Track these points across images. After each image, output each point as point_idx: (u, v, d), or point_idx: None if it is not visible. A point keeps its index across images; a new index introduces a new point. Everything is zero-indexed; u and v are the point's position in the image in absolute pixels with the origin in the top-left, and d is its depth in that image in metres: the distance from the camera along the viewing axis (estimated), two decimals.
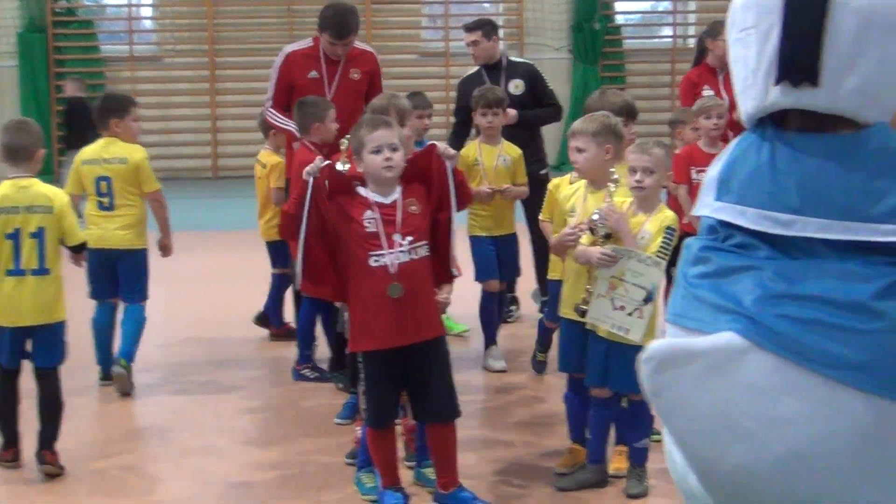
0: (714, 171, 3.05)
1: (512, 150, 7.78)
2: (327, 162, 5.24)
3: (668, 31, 20.96)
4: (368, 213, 5.18)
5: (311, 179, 5.14)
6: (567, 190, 5.94)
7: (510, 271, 7.99)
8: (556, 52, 15.50)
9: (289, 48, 8.04)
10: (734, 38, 3.04)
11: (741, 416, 2.76)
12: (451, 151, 5.35)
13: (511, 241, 7.84)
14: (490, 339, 7.90)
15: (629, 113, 6.53)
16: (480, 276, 7.78)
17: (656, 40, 20.82)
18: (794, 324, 2.77)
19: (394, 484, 5.38)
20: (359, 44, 8.03)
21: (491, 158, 7.67)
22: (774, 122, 2.99)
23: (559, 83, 12.66)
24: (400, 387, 5.34)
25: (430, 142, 5.45)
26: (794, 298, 2.79)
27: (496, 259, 7.74)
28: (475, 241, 7.76)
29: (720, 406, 2.77)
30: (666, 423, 2.84)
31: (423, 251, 5.25)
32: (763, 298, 2.80)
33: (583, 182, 5.82)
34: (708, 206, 3.01)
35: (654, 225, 5.38)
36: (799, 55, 2.88)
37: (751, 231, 2.91)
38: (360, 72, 7.86)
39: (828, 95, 2.89)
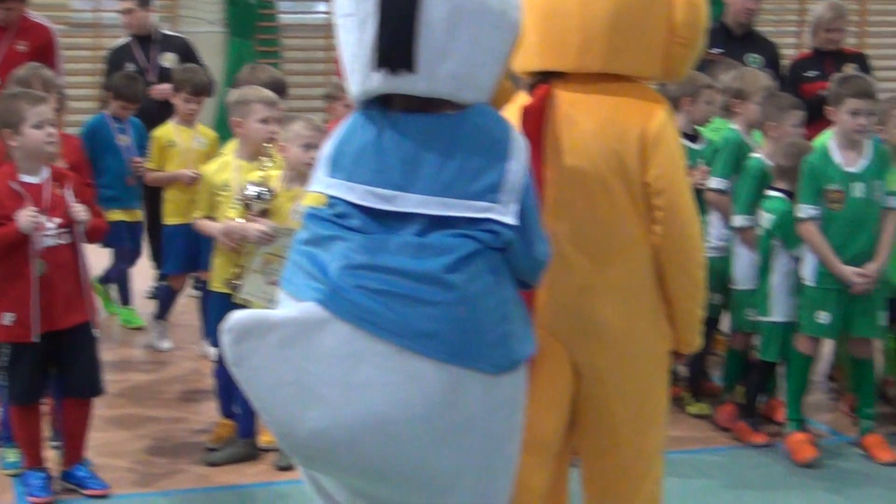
0: (326, 149, 3.15)
1: (207, 132, 7.59)
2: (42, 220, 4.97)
3: (322, 6, 21.06)
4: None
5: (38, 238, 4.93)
6: (215, 164, 5.86)
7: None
8: (211, 25, 15.28)
9: None
10: (338, 23, 3.14)
11: (318, 384, 2.86)
12: (82, 216, 5.11)
13: None
14: (160, 317, 7.69)
15: (278, 89, 6.55)
16: (168, 270, 7.45)
17: (311, 16, 20.87)
18: (371, 295, 2.89)
19: (38, 464, 5.23)
20: (35, 16, 7.70)
21: (188, 140, 7.40)
22: (381, 102, 3.10)
23: (213, 57, 12.50)
24: (45, 365, 5.17)
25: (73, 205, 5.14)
26: (374, 270, 2.91)
27: (188, 249, 7.49)
28: (167, 231, 7.34)
29: (297, 374, 2.87)
30: (247, 391, 2.92)
31: (71, 237, 5.11)
32: (345, 269, 2.92)
33: (231, 156, 5.79)
34: (321, 183, 3.12)
35: (310, 199, 5.39)
36: (394, 43, 3.00)
37: (356, 204, 3.02)
38: (28, 45, 7.49)
39: (425, 80, 3.02)
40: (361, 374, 2.87)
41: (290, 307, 2.98)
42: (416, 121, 3.06)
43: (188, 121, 7.44)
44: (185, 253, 7.06)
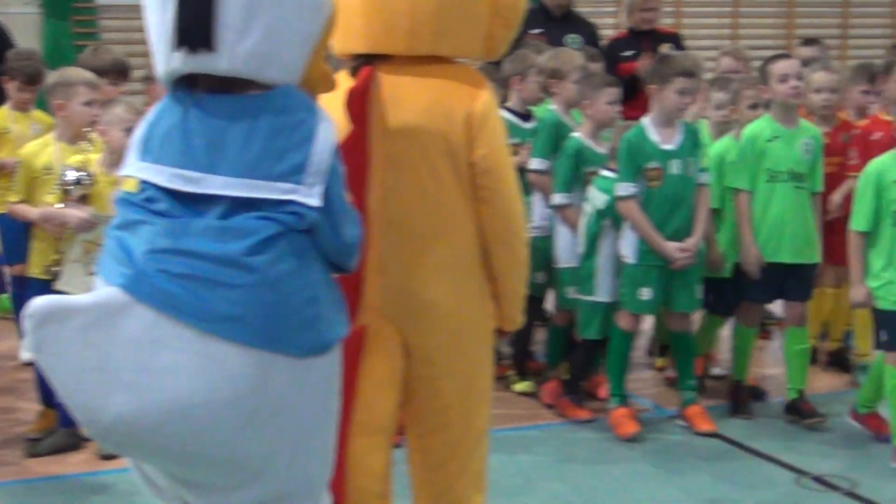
0: (138, 132, 3.12)
1: (43, 118, 7.32)
2: None
3: None
4: None
5: None
6: (33, 147, 5.71)
7: None
8: (25, 6, 14.93)
9: None
10: (144, 3, 3.11)
11: (121, 370, 2.85)
12: None
13: None
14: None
15: (120, 71, 6.44)
16: (9, 259, 7.06)
17: None
18: (172, 279, 2.88)
19: None
20: None
21: (24, 126, 7.13)
22: (187, 83, 3.08)
23: (29, 39, 12.21)
24: None
25: None
26: (176, 254, 2.90)
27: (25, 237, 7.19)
28: (2, 220, 6.77)
29: (100, 360, 2.84)
30: (50, 377, 2.87)
31: None
32: (148, 253, 2.92)
33: (49, 138, 5.66)
34: (132, 167, 3.10)
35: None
36: (193, 21, 2.98)
37: (164, 187, 3.00)
38: None
39: (225, 59, 3.01)
40: (165, 359, 2.84)
41: (95, 292, 2.95)
42: (221, 101, 3.04)
43: (22, 108, 7.21)
44: (16, 242, 6.64)
